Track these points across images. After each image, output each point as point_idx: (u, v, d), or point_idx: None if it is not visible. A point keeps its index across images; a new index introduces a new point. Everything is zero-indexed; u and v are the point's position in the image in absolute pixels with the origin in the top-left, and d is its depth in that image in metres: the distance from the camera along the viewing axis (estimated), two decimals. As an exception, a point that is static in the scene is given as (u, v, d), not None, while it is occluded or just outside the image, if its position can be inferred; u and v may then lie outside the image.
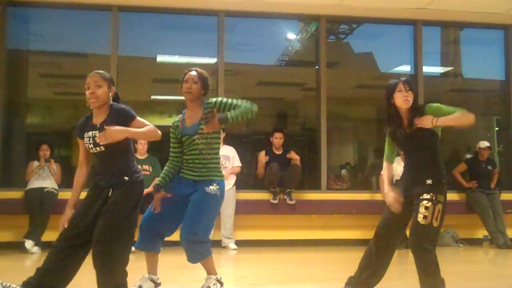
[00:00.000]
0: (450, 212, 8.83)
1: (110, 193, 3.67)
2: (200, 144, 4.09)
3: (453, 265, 6.65)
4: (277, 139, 8.22)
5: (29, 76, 10.02)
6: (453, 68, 11.16)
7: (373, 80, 12.07)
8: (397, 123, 3.94)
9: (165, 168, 4.27)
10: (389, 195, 3.92)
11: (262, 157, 8.17)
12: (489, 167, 8.65)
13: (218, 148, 4.21)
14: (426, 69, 9.42)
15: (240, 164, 7.91)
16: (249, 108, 4.05)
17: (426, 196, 3.74)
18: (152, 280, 4.19)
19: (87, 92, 3.68)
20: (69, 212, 3.75)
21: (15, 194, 7.58)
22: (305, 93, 11.80)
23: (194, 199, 4.04)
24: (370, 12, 8.78)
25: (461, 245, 8.29)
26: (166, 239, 4.14)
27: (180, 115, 4.28)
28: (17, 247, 7.15)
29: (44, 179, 7.59)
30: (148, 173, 7.60)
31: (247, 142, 11.40)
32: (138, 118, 3.71)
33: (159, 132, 3.73)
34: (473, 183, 8.50)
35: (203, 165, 4.11)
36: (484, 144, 8.64)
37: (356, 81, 11.96)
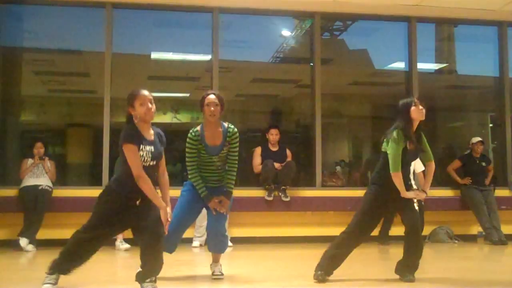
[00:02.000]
0: (444, 209, 8.89)
1: (139, 201, 3.96)
2: (218, 163, 4.80)
3: (448, 261, 6.67)
4: (273, 135, 8.22)
5: (23, 73, 9.99)
6: (447, 64, 11.18)
7: (368, 77, 12.10)
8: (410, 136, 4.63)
9: (198, 179, 4.77)
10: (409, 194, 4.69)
11: (257, 156, 8.17)
12: (483, 164, 8.66)
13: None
14: (421, 65, 9.42)
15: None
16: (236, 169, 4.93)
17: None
18: None
19: (143, 108, 3.98)
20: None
21: (9, 192, 7.54)
22: (300, 90, 11.80)
23: (219, 201, 4.76)
24: (364, 9, 8.78)
25: (456, 241, 8.31)
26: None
27: (197, 128, 4.78)
28: (11, 245, 7.13)
29: (38, 176, 7.56)
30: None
31: (242, 140, 11.34)
32: None
33: None
34: (467, 179, 8.51)
35: (221, 177, 4.86)
36: (476, 139, 8.65)
37: (351, 78, 11.97)
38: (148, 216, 3.94)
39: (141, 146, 3.94)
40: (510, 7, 8.56)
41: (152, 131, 4.08)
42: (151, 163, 3.97)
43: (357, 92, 12.58)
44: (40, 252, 7.02)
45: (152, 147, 3.99)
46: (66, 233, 7.42)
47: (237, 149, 4.88)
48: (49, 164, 7.72)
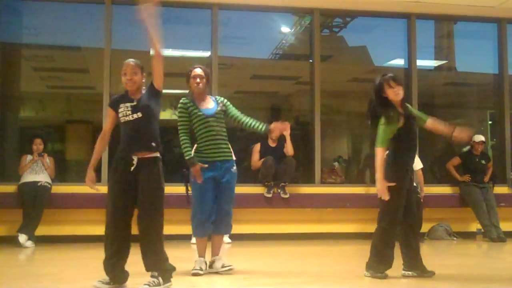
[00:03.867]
0: (443, 206, 8.88)
1: (135, 161, 4.05)
2: (216, 126, 4.84)
3: (447, 258, 6.68)
4: (273, 131, 8.21)
5: (22, 69, 9.97)
6: (446, 61, 11.17)
7: (367, 73, 12.06)
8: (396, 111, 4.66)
9: (187, 143, 4.83)
10: (383, 183, 4.56)
11: (256, 152, 8.17)
12: (483, 161, 8.66)
13: (226, 132, 4.98)
14: (420, 62, 9.42)
15: (235, 158, 7.88)
16: None
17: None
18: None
19: (125, 78, 4.25)
20: (91, 174, 4.16)
21: (9, 188, 7.54)
22: (299, 86, 11.80)
23: (226, 180, 4.93)
24: (364, 6, 8.78)
25: (455, 238, 8.32)
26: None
27: (185, 97, 5.01)
28: (10, 242, 7.13)
29: (37, 173, 7.56)
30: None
31: (241, 136, 11.40)
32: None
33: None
34: (466, 176, 8.51)
35: (224, 144, 4.94)
36: (479, 138, 8.65)
37: (350, 74, 11.96)
38: (145, 199, 3.97)
39: (121, 105, 4.17)
40: (510, 4, 8.56)
41: (140, 94, 4.26)
42: (136, 116, 4.11)
43: (357, 89, 12.56)
44: (39, 249, 7.02)
45: (135, 102, 4.16)
46: (65, 230, 7.55)
47: (235, 109, 5.08)
48: (48, 160, 7.71)
